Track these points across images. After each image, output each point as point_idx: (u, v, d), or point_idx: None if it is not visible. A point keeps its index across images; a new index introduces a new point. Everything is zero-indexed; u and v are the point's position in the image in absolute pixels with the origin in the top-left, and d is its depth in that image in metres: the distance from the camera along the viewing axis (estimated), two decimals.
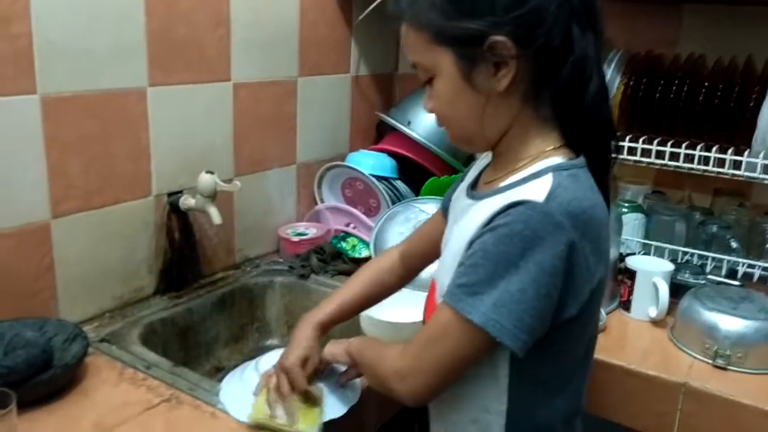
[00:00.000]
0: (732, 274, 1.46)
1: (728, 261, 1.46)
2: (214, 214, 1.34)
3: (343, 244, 1.66)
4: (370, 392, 1.04)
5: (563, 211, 0.73)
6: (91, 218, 1.25)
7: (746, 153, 1.34)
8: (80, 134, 1.20)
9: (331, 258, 1.61)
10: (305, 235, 1.66)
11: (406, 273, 1.09)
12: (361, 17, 1.78)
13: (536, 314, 0.73)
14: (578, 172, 0.78)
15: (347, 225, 1.73)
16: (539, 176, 0.77)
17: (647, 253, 1.53)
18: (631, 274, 1.37)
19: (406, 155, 1.77)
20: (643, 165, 1.46)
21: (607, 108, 0.82)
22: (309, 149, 1.74)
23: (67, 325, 1.13)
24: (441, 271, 0.86)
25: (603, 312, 1.31)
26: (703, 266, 1.47)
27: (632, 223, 1.54)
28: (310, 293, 1.53)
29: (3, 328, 1.06)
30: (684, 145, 1.40)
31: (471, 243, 0.76)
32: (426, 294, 1.07)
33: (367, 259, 1.60)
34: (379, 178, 1.69)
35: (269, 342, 1.54)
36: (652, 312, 1.34)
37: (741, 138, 1.37)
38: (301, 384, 0.96)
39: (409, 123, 1.77)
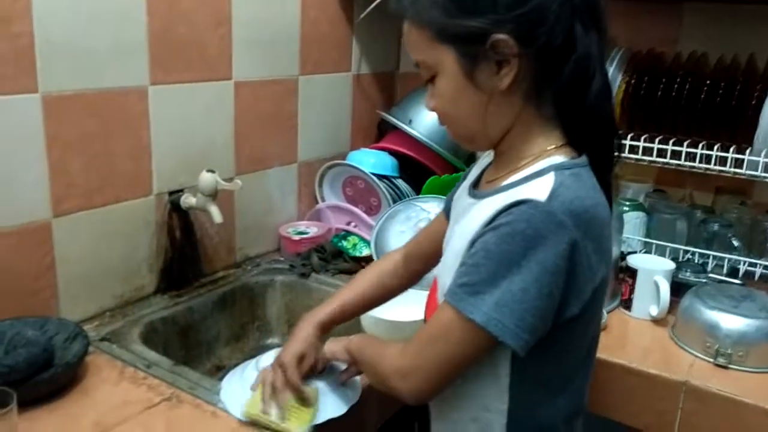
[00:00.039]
0: (733, 272, 1.45)
1: (729, 259, 1.46)
2: (215, 213, 1.34)
3: (344, 243, 1.66)
4: (371, 391, 1.04)
5: (565, 210, 0.72)
6: (92, 217, 1.25)
7: (748, 151, 1.34)
8: (81, 133, 1.20)
9: (332, 257, 1.61)
10: (306, 233, 1.66)
11: (410, 275, 1.09)
12: (362, 15, 1.77)
13: (538, 313, 0.73)
14: (580, 171, 0.78)
15: (348, 224, 1.73)
16: (541, 175, 0.77)
17: (648, 252, 1.53)
18: (632, 273, 1.37)
19: (407, 154, 1.77)
20: (645, 163, 1.45)
21: (610, 107, 0.82)
22: (310, 148, 1.74)
23: (68, 324, 1.13)
24: (443, 270, 0.86)
25: (604, 311, 1.31)
26: (704, 265, 1.47)
27: (633, 222, 1.53)
28: (310, 292, 1.53)
29: (4, 327, 1.06)
30: (686, 144, 1.40)
31: (473, 242, 0.76)
32: (427, 293, 1.07)
33: (368, 258, 1.60)
34: (380, 176, 1.69)
35: (270, 341, 1.54)
36: (653, 310, 1.34)
37: (743, 136, 1.36)
38: (294, 380, 0.96)
39: (410, 121, 1.77)
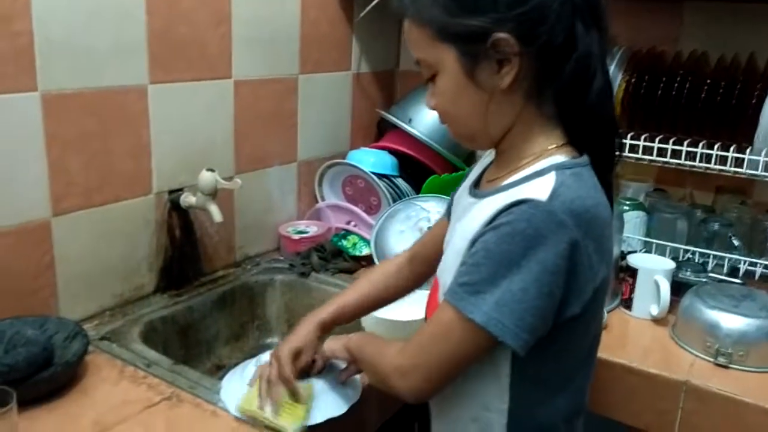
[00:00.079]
0: (733, 272, 1.45)
1: (730, 259, 1.45)
2: (215, 212, 1.34)
3: (344, 242, 1.65)
4: (371, 390, 1.04)
5: (566, 210, 0.72)
6: (91, 216, 1.24)
7: (748, 150, 1.34)
8: (81, 132, 1.20)
9: (332, 256, 1.61)
10: (306, 233, 1.66)
11: (415, 277, 1.08)
12: (362, 14, 1.77)
13: (538, 313, 0.73)
14: (581, 171, 0.78)
15: (348, 223, 1.73)
16: (542, 175, 0.77)
17: (648, 251, 1.53)
18: (632, 272, 1.37)
19: (407, 153, 1.76)
20: (645, 162, 1.45)
21: (611, 106, 0.82)
22: (310, 147, 1.74)
23: (68, 323, 1.12)
24: (443, 269, 0.86)
25: (604, 310, 1.31)
26: (704, 264, 1.47)
27: (634, 221, 1.53)
28: (310, 291, 1.53)
29: (3, 326, 1.06)
30: (686, 143, 1.40)
31: (473, 241, 0.76)
32: (428, 292, 1.07)
33: (367, 257, 1.60)
34: (380, 175, 1.69)
35: (270, 340, 1.54)
36: (654, 310, 1.34)
37: (743, 135, 1.36)
38: (287, 374, 0.96)
39: (410, 120, 1.77)
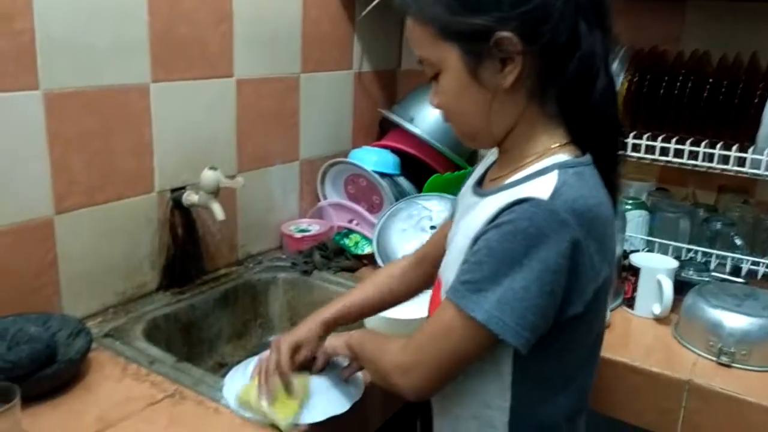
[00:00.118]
0: (736, 271, 1.45)
1: (732, 258, 1.45)
2: (217, 211, 1.34)
3: (346, 241, 1.65)
4: (374, 388, 1.04)
5: (568, 209, 0.72)
6: (94, 214, 1.25)
7: (751, 150, 1.34)
8: (83, 130, 1.20)
9: (334, 254, 1.61)
10: (308, 231, 1.66)
11: (424, 278, 1.07)
12: (363, 13, 1.77)
13: (539, 312, 0.73)
14: (584, 170, 0.78)
15: (350, 221, 1.73)
16: (544, 173, 0.76)
17: (651, 250, 1.53)
18: (635, 271, 1.37)
19: (409, 152, 1.76)
20: (647, 162, 1.45)
21: (615, 105, 0.82)
22: (312, 146, 1.74)
23: (71, 321, 1.13)
24: (446, 268, 0.86)
25: (607, 309, 1.31)
26: (707, 263, 1.47)
27: (636, 220, 1.53)
28: (312, 289, 1.53)
29: (7, 323, 1.06)
30: (688, 142, 1.40)
31: (475, 240, 0.76)
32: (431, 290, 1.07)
33: (369, 256, 1.60)
34: (382, 174, 1.69)
35: (272, 338, 1.53)
36: (656, 309, 1.33)
37: (745, 135, 1.36)
38: (284, 365, 0.96)
39: (412, 119, 1.77)
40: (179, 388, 1.05)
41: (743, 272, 1.44)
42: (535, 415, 0.83)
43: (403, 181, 1.74)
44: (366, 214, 1.70)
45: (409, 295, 1.10)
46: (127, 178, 1.30)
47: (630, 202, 1.57)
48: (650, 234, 1.55)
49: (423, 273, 1.07)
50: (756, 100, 1.34)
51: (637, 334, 1.32)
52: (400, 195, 1.70)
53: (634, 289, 1.37)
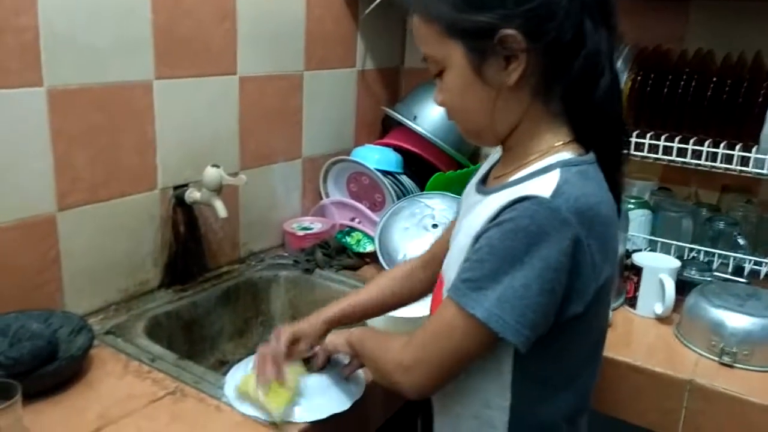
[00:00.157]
0: (739, 271, 1.45)
1: (735, 258, 1.45)
2: (220, 208, 1.34)
3: (348, 239, 1.65)
4: (375, 386, 1.04)
5: (570, 208, 0.72)
6: (97, 211, 1.25)
7: (754, 149, 1.33)
8: (86, 127, 1.20)
9: (336, 253, 1.61)
10: (310, 229, 1.66)
11: (430, 281, 1.05)
12: (367, 11, 1.77)
13: (540, 310, 0.73)
14: (587, 168, 0.78)
15: (352, 220, 1.73)
16: (547, 171, 0.76)
17: (653, 250, 1.52)
18: (637, 271, 1.36)
19: (411, 150, 1.76)
20: (650, 161, 1.45)
21: (619, 104, 0.82)
22: (314, 143, 1.74)
23: (73, 318, 1.13)
24: (448, 265, 0.86)
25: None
26: (709, 263, 1.47)
27: (639, 220, 1.53)
28: (314, 288, 1.53)
29: (9, 320, 1.06)
30: (692, 141, 1.39)
31: (477, 238, 0.76)
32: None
33: (371, 254, 1.60)
34: (384, 172, 1.69)
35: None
36: (658, 308, 1.33)
37: (749, 134, 1.36)
38: (279, 355, 0.97)
39: (414, 118, 1.77)
40: (180, 385, 1.06)
41: (746, 272, 1.44)
42: (536, 415, 0.83)
43: (405, 179, 1.74)
44: (368, 212, 1.70)
45: (415, 297, 1.09)
46: (130, 175, 1.30)
47: (633, 201, 1.56)
48: (653, 233, 1.55)
49: (431, 274, 1.06)
50: (760, 100, 1.34)
51: (639, 334, 1.32)
52: (402, 193, 1.70)
53: (637, 289, 1.37)
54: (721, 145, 1.37)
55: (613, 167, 0.83)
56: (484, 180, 0.90)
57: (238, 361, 1.13)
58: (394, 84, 2.00)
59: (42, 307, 1.15)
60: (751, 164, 1.34)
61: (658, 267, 1.35)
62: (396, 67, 2.00)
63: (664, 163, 1.45)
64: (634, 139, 1.43)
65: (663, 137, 1.42)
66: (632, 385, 1.19)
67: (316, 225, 1.68)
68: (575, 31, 0.74)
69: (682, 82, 1.41)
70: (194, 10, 1.34)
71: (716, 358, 1.20)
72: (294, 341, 1.01)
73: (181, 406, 1.01)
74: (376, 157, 1.71)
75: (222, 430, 0.96)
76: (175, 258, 1.41)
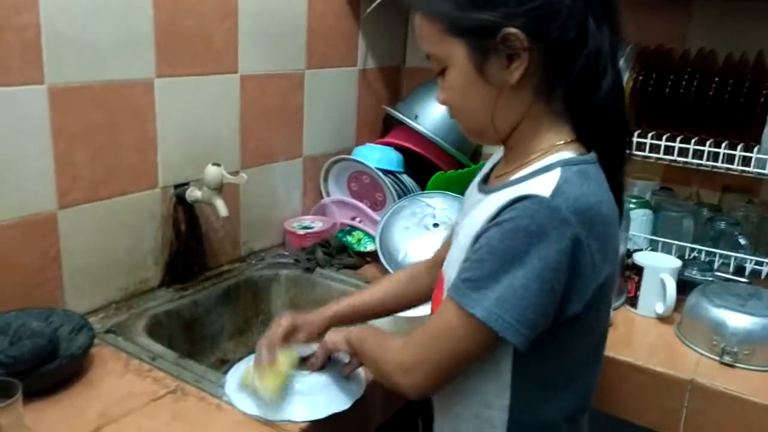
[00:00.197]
0: (740, 270, 1.45)
1: (736, 258, 1.45)
2: (221, 207, 1.34)
3: (349, 238, 1.65)
4: (376, 386, 1.04)
5: (570, 207, 0.72)
6: (97, 209, 1.25)
7: (756, 149, 1.33)
8: (87, 125, 1.20)
9: (337, 252, 1.61)
10: (311, 228, 1.65)
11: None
12: (368, 10, 1.77)
13: (539, 310, 0.73)
14: (588, 168, 0.78)
15: (353, 219, 1.73)
16: (548, 171, 0.76)
17: (654, 250, 1.52)
18: (638, 270, 1.36)
19: (412, 149, 1.76)
20: (651, 160, 1.45)
21: (621, 104, 0.82)
22: (315, 142, 1.74)
23: (73, 316, 1.13)
24: (449, 264, 0.86)
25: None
26: (710, 263, 1.47)
27: (640, 219, 1.53)
28: (315, 286, 1.53)
29: (9, 318, 1.06)
30: (693, 141, 1.39)
31: (477, 237, 0.76)
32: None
33: (372, 253, 1.60)
34: (385, 171, 1.69)
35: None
36: (659, 308, 1.33)
37: (751, 134, 1.36)
38: (274, 338, 0.99)
39: (416, 117, 1.76)
40: (181, 384, 1.06)
41: (747, 272, 1.44)
42: (535, 415, 0.83)
43: (406, 178, 1.74)
44: (369, 211, 1.70)
45: (419, 300, 1.08)
46: (131, 173, 1.30)
47: (634, 200, 1.56)
48: (654, 233, 1.55)
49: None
50: (762, 99, 1.34)
51: (640, 334, 1.31)
52: (403, 192, 1.70)
53: (638, 288, 1.37)
54: (723, 145, 1.37)
55: (615, 167, 0.83)
56: (486, 179, 0.90)
57: (239, 360, 1.12)
58: (395, 83, 2.00)
59: (43, 305, 1.15)
60: (752, 164, 1.34)
61: (660, 267, 1.35)
62: (397, 66, 2.00)
63: (666, 162, 1.45)
64: (635, 139, 1.43)
65: (664, 137, 1.42)
66: (633, 384, 1.19)
67: (317, 224, 1.68)
68: (578, 30, 0.74)
69: (684, 82, 1.41)
70: (196, 8, 1.34)
71: (717, 358, 1.20)
72: (293, 330, 1.02)
73: (181, 404, 1.01)
74: (377, 156, 1.71)
75: (223, 429, 0.96)
76: (175, 256, 1.41)
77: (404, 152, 1.76)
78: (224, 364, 1.40)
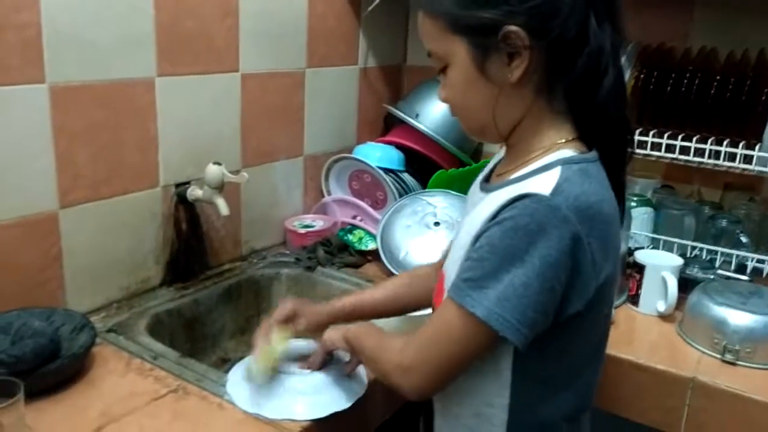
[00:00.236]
0: (741, 268, 1.45)
1: (737, 256, 1.45)
2: (222, 206, 1.34)
3: (350, 237, 1.65)
4: (377, 385, 1.04)
5: (570, 206, 0.72)
6: (98, 208, 1.25)
7: (757, 147, 1.33)
8: (88, 124, 1.20)
9: (338, 250, 1.61)
10: (312, 227, 1.65)
11: None
12: (370, 8, 1.77)
13: (540, 308, 0.73)
14: (588, 167, 0.78)
15: (354, 217, 1.73)
16: (548, 169, 0.76)
17: (656, 248, 1.52)
18: (639, 269, 1.36)
19: (413, 148, 1.76)
20: (653, 158, 1.45)
21: (623, 102, 0.81)
22: (316, 141, 1.74)
23: (75, 315, 1.13)
24: (449, 263, 0.86)
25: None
26: (712, 261, 1.47)
27: (641, 217, 1.53)
28: (316, 285, 1.53)
29: (11, 318, 1.06)
30: (695, 139, 1.39)
31: (477, 237, 0.76)
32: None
33: (373, 252, 1.60)
34: (386, 170, 1.68)
35: (275, 335, 1.54)
36: (661, 306, 1.33)
37: (752, 132, 1.36)
38: (273, 318, 1.03)
39: (417, 115, 1.76)
40: (183, 383, 1.06)
41: (748, 270, 1.44)
42: (535, 414, 0.83)
43: (407, 177, 1.74)
44: (370, 210, 1.70)
45: (423, 303, 1.08)
46: (132, 172, 1.30)
47: (635, 199, 1.56)
48: (655, 231, 1.54)
49: None
50: (763, 98, 1.34)
51: (642, 332, 1.31)
52: (404, 191, 1.70)
53: (639, 287, 1.36)
54: (724, 143, 1.36)
55: (616, 166, 0.83)
56: (488, 177, 0.90)
57: (240, 359, 1.12)
58: (396, 81, 2.00)
59: (44, 304, 1.15)
60: (754, 162, 1.34)
61: (661, 265, 1.34)
62: (398, 64, 2.00)
63: (667, 161, 1.44)
64: (637, 137, 1.42)
65: (666, 135, 1.42)
66: (635, 383, 1.19)
67: (318, 223, 1.68)
68: (579, 28, 0.74)
69: (686, 80, 1.41)
70: (197, 6, 1.34)
71: (719, 356, 1.19)
72: (294, 315, 1.03)
73: (183, 404, 1.01)
74: (378, 154, 1.71)
75: (224, 428, 0.96)
76: (176, 255, 1.41)
77: (405, 151, 1.76)
78: (225, 363, 1.40)
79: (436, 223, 1.55)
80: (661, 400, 1.17)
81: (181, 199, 1.39)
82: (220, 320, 1.45)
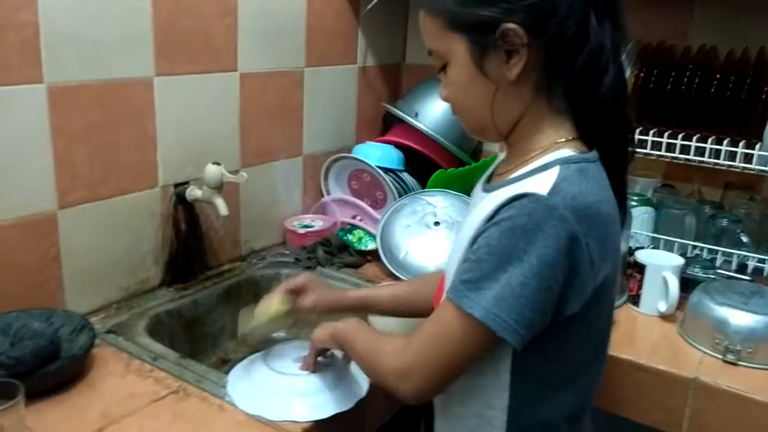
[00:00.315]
0: (742, 268, 1.44)
1: (738, 255, 1.44)
2: (221, 206, 1.33)
3: (350, 237, 1.65)
4: (378, 386, 1.03)
5: (567, 205, 0.72)
6: (97, 209, 1.24)
7: (758, 146, 1.33)
8: (87, 124, 1.19)
9: (338, 250, 1.60)
10: (311, 227, 1.65)
11: None
12: (368, 7, 1.76)
13: (537, 308, 0.73)
14: (588, 167, 0.77)
15: (354, 217, 1.72)
16: (547, 169, 0.76)
17: (656, 247, 1.52)
18: (640, 268, 1.36)
19: (413, 147, 1.76)
20: (653, 158, 1.44)
21: (624, 101, 0.81)
22: (315, 140, 1.73)
23: (74, 316, 1.12)
24: (449, 263, 0.85)
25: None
26: (713, 260, 1.46)
27: (641, 217, 1.52)
28: None
29: (10, 319, 1.06)
30: (695, 138, 1.39)
31: (475, 238, 0.76)
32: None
33: (373, 252, 1.59)
34: (385, 170, 1.68)
35: (275, 334, 1.54)
36: (662, 306, 1.33)
37: (752, 131, 1.35)
38: (282, 287, 1.08)
39: (416, 114, 1.76)
40: (183, 384, 1.05)
41: (749, 269, 1.44)
42: (534, 415, 0.83)
43: (407, 176, 1.73)
44: (370, 209, 1.69)
45: (429, 309, 1.08)
46: (131, 172, 1.29)
47: (635, 198, 1.56)
48: (656, 231, 1.54)
49: None
50: (763, 96, 1.34)
51: (643, 332, 1.31)
52: (404, 191, 1.69)
53: (640, 287, 1.36)
54: (725, 142, 1.36)
55: (617, 165, 0.82)
56: (490, 178, 0.90)
57: (240, 359, 1.12)
58: (395, 80, 2.00)
59: (43, 305, 1.14)
60: (754, 161, 1.34)
61: (662, 265, 1.34)
62: (397, 63, 2.00)
63: (667, 160, 1.44)
64: (637, 136, 1.42)
65: (666, 134, 1.42)
66: (636, 383, 1.19)
67: (318, 223, 1.67)
68: (578, 26, 0.74)
69: (686, 79, 1.40)
70: (195, 5, 1.33)
71: (720, 356, 1.19)
72: (304, 289, 1.07)
73: (183, 405, 1.00)
74: (378, 154, 1.70)
75: (224, 429, 0.95)
76: (176, 256, 1.41)
77: (405, 150, 1.76)
78: (225, 364, 1.40)
79: (436, 223, 1.55)
80: (662, 400, 1.17)
81: (180, 199, 1.38)
82: (220, 321, 1.44)
